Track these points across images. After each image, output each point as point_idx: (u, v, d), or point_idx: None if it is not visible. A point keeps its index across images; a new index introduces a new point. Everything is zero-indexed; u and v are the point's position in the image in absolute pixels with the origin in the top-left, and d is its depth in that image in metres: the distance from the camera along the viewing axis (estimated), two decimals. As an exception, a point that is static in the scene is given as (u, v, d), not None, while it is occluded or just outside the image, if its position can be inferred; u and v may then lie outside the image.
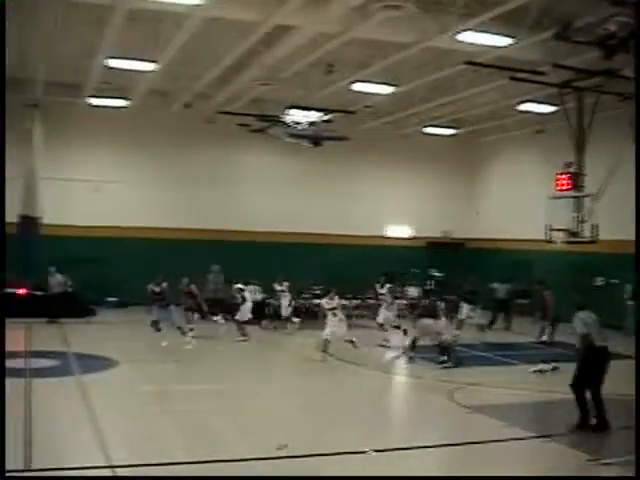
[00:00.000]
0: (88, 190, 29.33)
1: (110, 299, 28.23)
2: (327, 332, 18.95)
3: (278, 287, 24.57)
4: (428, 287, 30.03)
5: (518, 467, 10.48)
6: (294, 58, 22.24)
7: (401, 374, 18.59)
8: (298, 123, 25.76)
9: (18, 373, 15.47)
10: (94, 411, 12.44)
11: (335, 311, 19.38)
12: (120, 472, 9.36)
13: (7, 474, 8.88)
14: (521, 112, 28.30)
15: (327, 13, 17.77)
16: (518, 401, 14.72)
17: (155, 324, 21.49)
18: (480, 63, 21.26)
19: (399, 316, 22.36)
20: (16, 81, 26.47)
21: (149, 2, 17.36)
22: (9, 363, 16.67)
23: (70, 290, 25.70)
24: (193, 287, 21.62)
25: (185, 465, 9.75)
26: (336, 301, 19.70)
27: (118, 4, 17.43)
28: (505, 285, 26.54)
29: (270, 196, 31.67)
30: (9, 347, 17.84)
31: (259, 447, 10.56)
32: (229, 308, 23.23)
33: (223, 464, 9.89)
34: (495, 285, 26.55)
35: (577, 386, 12.30)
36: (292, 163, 31.54)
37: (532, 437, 11.72)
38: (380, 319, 22.16)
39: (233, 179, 31.45)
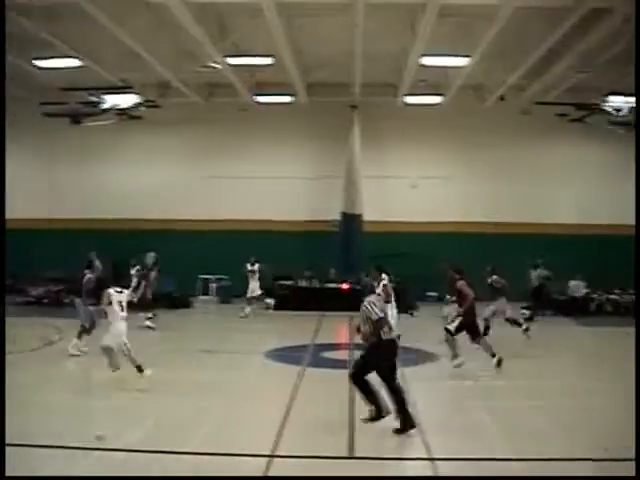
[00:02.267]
0: (405, 187, 30.06)
1: (430, 294, 28.60)
2: None
3: None
4: None
5: None
6: (610, 42, 21.19)
7: None
8: (619, 110, 24.50)
9: (342, 364, 16.12)
10: (416, 403, 12.62)
11: None
12: (440, 466, 9.42)
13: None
14: None
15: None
16: None
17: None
18: None
19: None
20: (338, 85, 27.75)
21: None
22: (335, 355, 17.58)
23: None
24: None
25: (504, 462, 9.60)
26: None
27: (430, 1, 17.62)
28: None
29: (589, 186, 30.46)
30: (335, 339, 18.82)
31: (581, 447, 10.15)
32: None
33: (545, 462, 9.62)
34: None
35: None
36: (613, 152, 30.04)
37: None
38: None
39: (549, 170, 30.67)
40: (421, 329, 21.71)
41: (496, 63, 24.07)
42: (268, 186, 30.01)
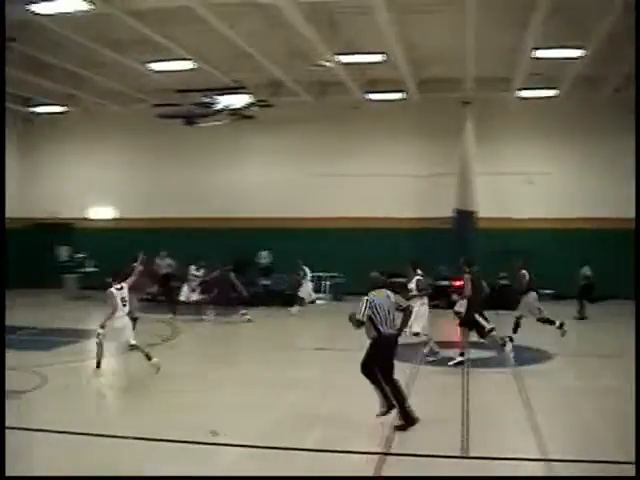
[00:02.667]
0: (521, 182, 29.49)
1: (546, 291, 27.94)
2: None
3: None
4: None
5: None
6: None
7: None
8: None
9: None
10: (529, 404, 12.38)
11: None
12: (555, 467, 9.18)
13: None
14: None
15: None
16: None
17: None
18: None
19: None
20: (450, 80, 27.46)
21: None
22: (447, 352, 17.37)
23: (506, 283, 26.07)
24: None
25: (620, 465, 9.25)
26: None
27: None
28: None
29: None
30: (447, 337, 18.56)
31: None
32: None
33: None
34: None
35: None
36: None
37: None
38: None
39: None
40: (533, 328, 21.19)
41: (610, 54, 23.39)
42: (379, 184, 29.98)
